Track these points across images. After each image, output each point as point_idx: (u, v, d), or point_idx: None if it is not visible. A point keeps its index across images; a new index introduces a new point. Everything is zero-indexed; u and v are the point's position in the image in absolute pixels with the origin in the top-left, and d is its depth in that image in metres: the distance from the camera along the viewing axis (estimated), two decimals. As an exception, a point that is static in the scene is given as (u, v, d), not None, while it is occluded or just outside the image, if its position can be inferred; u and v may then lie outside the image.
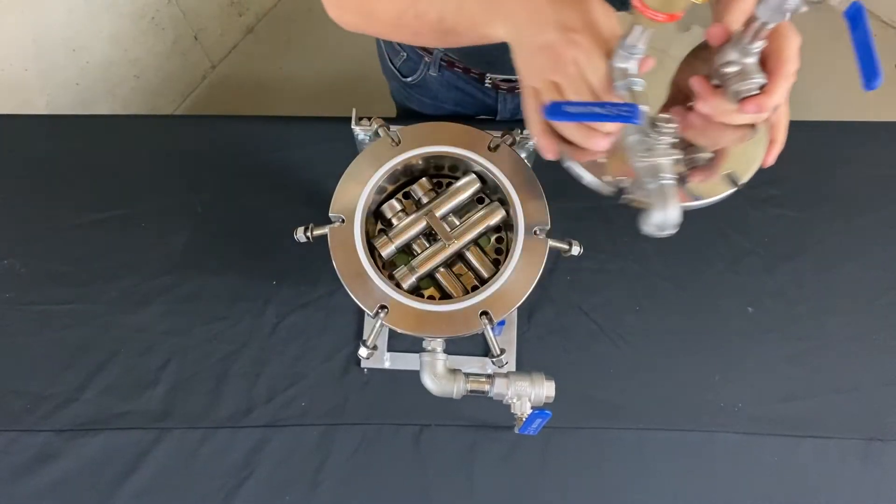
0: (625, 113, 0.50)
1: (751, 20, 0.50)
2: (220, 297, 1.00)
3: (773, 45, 0.52)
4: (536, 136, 0.58)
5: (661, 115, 0.54)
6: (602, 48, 0.51)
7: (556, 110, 0.53)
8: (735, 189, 0.64)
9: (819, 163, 1.05)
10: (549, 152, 0.58)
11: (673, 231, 0.53)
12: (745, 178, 0.64)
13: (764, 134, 0.64)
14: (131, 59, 1.77)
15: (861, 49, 0.47)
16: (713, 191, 0.64)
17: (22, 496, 0.92)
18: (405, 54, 1.04)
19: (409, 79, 1.08)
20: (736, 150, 0.65)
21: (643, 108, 0.51)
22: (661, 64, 0.59)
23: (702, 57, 0.58)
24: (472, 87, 1.04)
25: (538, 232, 0.70)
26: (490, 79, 1.00)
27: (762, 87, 0.51)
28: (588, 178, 0.62)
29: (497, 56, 0.89)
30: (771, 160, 0.65)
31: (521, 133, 0.75)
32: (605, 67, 0.51)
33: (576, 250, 0.71)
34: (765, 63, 0.52)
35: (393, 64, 1.10)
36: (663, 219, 0.52)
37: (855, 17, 0.47)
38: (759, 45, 0.50)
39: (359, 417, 0.95)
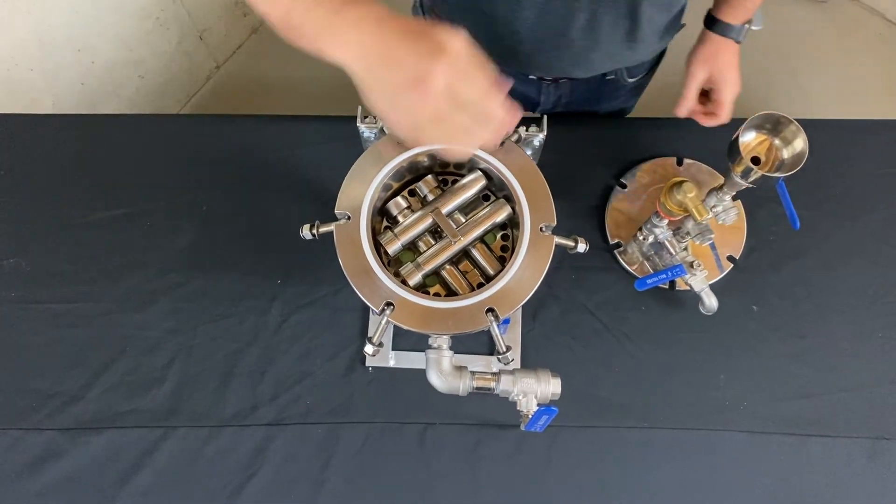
0: (678, 271, 0.88)
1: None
2: (225, 296, 1.01)
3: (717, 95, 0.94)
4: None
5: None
6: (467, 61, 0.48)
7: (643, 284, 0.91)
8: (733, 265, 1.01)
9: (824, 161, 1.05)
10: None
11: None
12: (738, 256, 1.01)
13: (742, 220, 1.03)
14: (136, 60, 1.78)
15: (786, 206, 0.80)
16: (724, 268, 1.01)
17: (27, 494, 0.92)
18: None
19: None
20: (725, 238, 1.01)
21: (686, 262, 0.89)
22: None
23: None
24: (514, 80, 1.01)
25: (544, 229, 0.70)
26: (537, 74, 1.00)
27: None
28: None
29: (537, 60, 0.92)
30: (706, 124, 0.96)
31: (527, 130, 0.75)
32: (483, 77, 0.49)
33: (581, 247, 0.71)
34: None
35: None
36: (711, 306, 0.91)
37: (781, 187, 0.80)
38: None
39: (363, 416, 0.95)
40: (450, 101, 0.48)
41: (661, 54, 1.11)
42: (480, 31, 0.88)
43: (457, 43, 0.48)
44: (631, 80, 1.07)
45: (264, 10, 0.55)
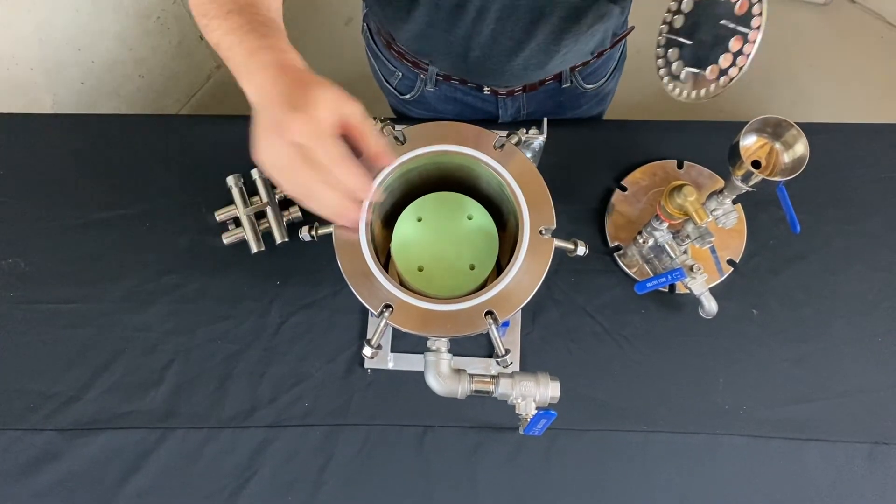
0: (678, 274, 0.88)
1: None
2: (224, 297, 1.00)
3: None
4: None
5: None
6: (323, 129, 0.52)
7: (642, 287, 0.92)
8: (733, 269, 1.00)
9: (825, 165, 1.05)
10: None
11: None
12: (738, 260, 1.01)
13: (742, 223, 1.02)
14: (137, 59, 1.78)
15: (786, 210, 0.80)
16: (724, 272, 1.01)
17: (25, 495, 0.92)
18: (400, 73, 1.04)
19: (408, 96, 1.08)
20: (725, 241, 1.01)
21: (685, 266, 0.89)
22: None
23: None
24: (471, 97, 1.04)
25: (544, 232, 0.70)
26: (489, 86, 1.00)
27: None
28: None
29: (489, 71, 0.90)
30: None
31: (527, 133, 0.75)
32: (335, 147, 0.53)
33: (581, 251, 0.71)
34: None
35: (389, 83, 1.10)
36: (710, 309, 0.90)
37: (781, 191, 0.80)
38: None
39: (362, 418, 0.95)
40: (300, 155, 0.52)
41: (622, 58, 1.10)
42: (437, 51, 0.89)
43: (324, 108, 0.52)
44: (589, 87, 1.06)
45: (204, 34, 0.63)
